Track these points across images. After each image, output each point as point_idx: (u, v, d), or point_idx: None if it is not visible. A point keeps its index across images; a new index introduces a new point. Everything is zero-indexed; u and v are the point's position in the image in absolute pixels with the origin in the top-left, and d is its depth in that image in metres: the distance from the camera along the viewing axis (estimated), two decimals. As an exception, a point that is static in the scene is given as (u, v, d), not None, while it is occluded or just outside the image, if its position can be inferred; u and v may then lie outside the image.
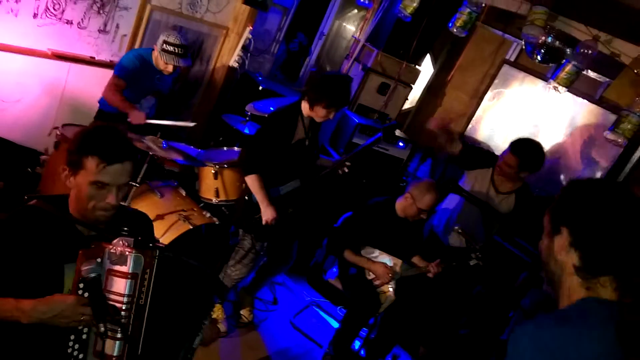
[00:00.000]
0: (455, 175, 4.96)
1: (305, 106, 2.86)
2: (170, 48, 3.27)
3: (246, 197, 2.93)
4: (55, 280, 1.47)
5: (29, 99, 3.51)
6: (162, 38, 3.28)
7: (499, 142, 4.66)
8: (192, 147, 3.58)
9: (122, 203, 1.78)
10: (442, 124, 3.23)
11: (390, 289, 3.10)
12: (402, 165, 4.56)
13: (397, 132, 4.53)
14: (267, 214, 2.81)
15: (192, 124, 3.49)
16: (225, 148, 3.70)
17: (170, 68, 3.35)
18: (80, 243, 1.49)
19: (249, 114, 3.74)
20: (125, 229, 1.61)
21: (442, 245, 3.36)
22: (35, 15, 3.26)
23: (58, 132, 3.17)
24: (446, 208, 3.48)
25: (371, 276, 3.13)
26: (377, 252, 3.17)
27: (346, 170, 3.02)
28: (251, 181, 2.81)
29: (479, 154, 3.47)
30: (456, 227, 3.08)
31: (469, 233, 3.08)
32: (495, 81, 4.94)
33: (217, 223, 3.16)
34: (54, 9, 3.33)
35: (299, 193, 2.99)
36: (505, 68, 4.87)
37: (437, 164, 5.20)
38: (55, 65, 3.54)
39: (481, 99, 4.98)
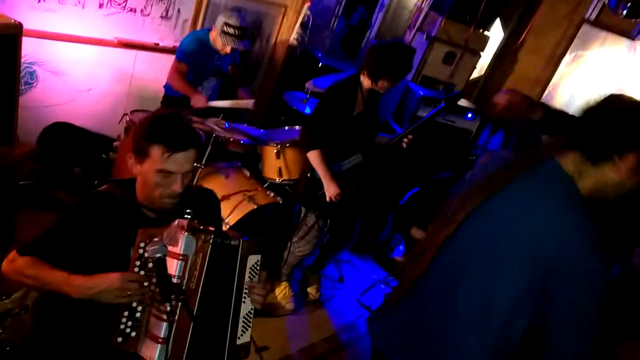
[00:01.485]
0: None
1: (365, 79, 2.78)
2: (231, 30, 3.26)
3: (308, 174, 2.91)
4: (121, 263, 1.50)
5: (99, 88, 3.66)
6: (222, 19, 3.28)
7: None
8: (253, 127, 3.60)
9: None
10: (511, 99, 3.02)
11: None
12: (471, 137, 4.34)
13: (466, 103, 4.30)
14: (330, 189, 2.78)
15: (252, 103, 3.49)
16: (286, 127, 3.68)
17: (228, 49, 3.35)
18: (147, 226, 1.52)
19: (308, 90, 3.69)
20: (188, 210, 1.61)
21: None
22: (100, 6, 3.38)
23: (128, 119, 3.29)
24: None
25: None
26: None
27: (408, 143, 2.90)
28: (313, 157, 2.78)
29: (562, 117, 3.22)
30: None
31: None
32: (574, 43, 4.58)
33: (281, 202, 3.17)
34: (118, -2, 3.44)
35: (362, 168, 2.92)
36: (585, 28, 4.50)
37: (510, 135, 4.92)
38: (123, 54, 3.66)
39: (558, 63, 4.64)
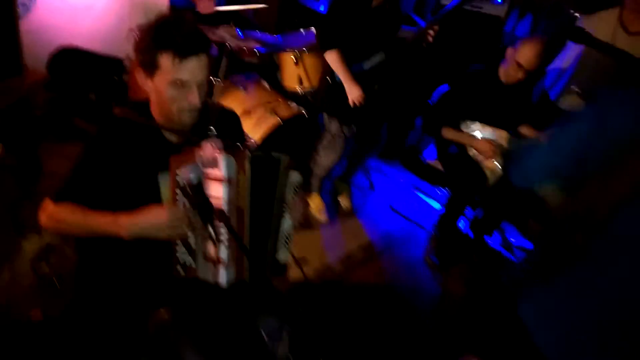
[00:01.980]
0: (562, 30, 4.34)
1: None
2: None
3: (328, 78, 2.74)
4: (151, 191, 1.43)
5: (100, 4, 3.42)
6: None
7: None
8: (267, 34, 3.38)
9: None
10: None
11: (498, 164, 2.88)
12: (500, 24, 4.02)
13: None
14: (352, 92, 2.61)
15: (262, 5, 3.23)
16: (302, 30, 3.44)
17: None
18: (170, 150, 1.43)
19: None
20: (211, 128, 1.55)
21: (557, 110, 2.98)
22: None
23: (135, 35, 3.09)
24: (558, 67, 3.05)
25: (474, 152, 2.91)
26: (478, 126, 2.90)
27: (433, 37, 2.67)
28: (331, 57, 2.59)
29: None
30: (572, 87, 2.67)
31: (589, 93, 2.67)
32: None
33: (304, 112, 3.04)
34: None
35: (384, 67, 2.72)
36: None
37: (540, 18, 4.55)
38: (119, -36, 3.37)
39: None
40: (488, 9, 3.91)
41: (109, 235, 1.41)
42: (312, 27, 3.39)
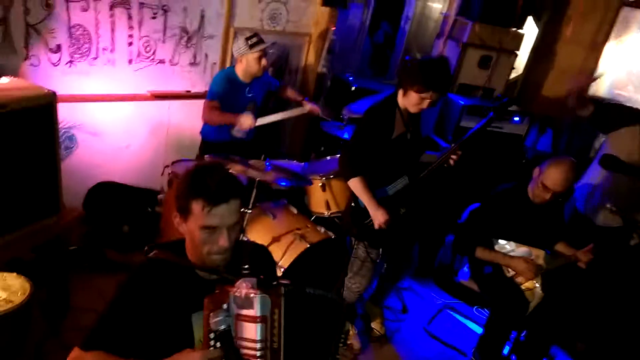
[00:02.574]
0: (584, 143, 4.41)
1: (400, 97, 2.62)
2: (254, 39, 3.20)
3: (352, 204, 2.76)
4: (184, 333, 1.42)
5: (137, 143, 3.64)
6: (240, 41, 3.21)
7: (632, 95, 4.04)
8: (294, 162, 3.49)
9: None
10: (579, 85, 2.83)
11: (537, 285, 2.74)
12: (521, 141, 4.11)
13: (513, 105, 4.07)
14: (377, 216, 2.61)
15: (308, 107, 3.36)
16: (328, 158, 3.56)
17: (264, 62, 3.24)
18: (204, 289, 1.41)
19: (346, 117, 3.57)
20: (246, 266, 1.54)
21: (591, 226, 2.91)
22: (130, 61, 3.37)
23: (170, 171, 3.24)
24: (588, 183, 3.03)
25: (511, 273, 2.79)
26: (512, 245, 2.82)
27: (456, 159, 2.71)
28: (355, 184, 2.63)
29: (619, 110, 2.98)
30: (608, 205, 2.63)
31: (624, 210, 2.61)
32: (615, 28, 4.32)
33: (333, 237, 3.03)
34: (146, 51, 3.42)
35: (409, 191, 2.73)
36: (625, 11, 4.24)
37: (560, 132, 4.65)
38: (156, 106, 3.64)
39: (601, 51, 4.37)
40: (508, 128, 4.03)
41: None
42: (338, 154, 3.51)
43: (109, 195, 3.45)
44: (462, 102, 4.01)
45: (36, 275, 2.19)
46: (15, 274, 2.15)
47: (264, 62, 3.25)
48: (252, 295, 1.34)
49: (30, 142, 2.30)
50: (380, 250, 2.86)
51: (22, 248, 2.39)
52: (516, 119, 4.01)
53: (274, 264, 1.82)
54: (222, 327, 1.33)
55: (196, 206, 1.45)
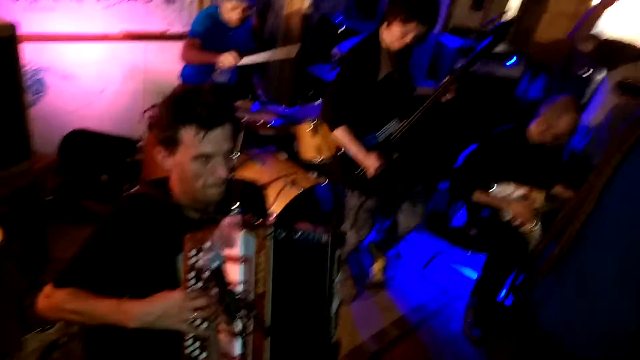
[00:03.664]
0: (577, 90, 4.29)
1: (384, 31, 2.38)
2: None
3: (339, 153, 2.57)
4: (167, 275, 1.29)
5: (112, 87, 3.39)
6: None
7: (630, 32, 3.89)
8: (282, 106, 3.30)
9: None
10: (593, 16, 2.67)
11: (536, 227, 2.66)
12: (516, 86, 3.97)
13: (506, 47, 3.90)
14: (369, 163, 2.42)
15: (294, 51, 3.10)
16: (317, 102, 3.37)
17: (235, 15, 3.00)
18: (190, 229, 1.29)
19: (335, 58, 3.36)
20: (237, 204, 1.41)
21: (590, 167, 2.81)
22: (98, -2, 3.09)
23: (149, 114, 3.02)
24: (585, 125, 2.92)
25: (509, 216, 2.70)
26: (512, 187, 2.72)
27: (453, 95, 2.49)
28: (340, 134, 2.43)
29: (621, 46, 2.84)
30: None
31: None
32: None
33: (325, 182, 2.90)
34: (117, -13, 3.13)
35: (402, 133, 2.52)
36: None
37: (553, 78, 4.52)
38: (131, 47, 3.38)
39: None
40: (503, 72, 3.87)
41: (113, 324, 1.24)
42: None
43: (85, 144, 3.24)
44: (455, 45, 3.82)
45: (12, 226, 2.03)
46: (-17, 221, 1.96)
47: (234, 16, 2.99)
48: (235, 234, 1.24)
49: (-9, 78, 2.07)
50: (376, 198, 2.70)
51: (-9, 195, 2.19)
52: (513, 60, 3.83)
53: (264, 202, 1.67)
54: (215, 264, 1.22)
55: (187, 134, 1.28)
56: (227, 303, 1.20)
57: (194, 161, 1.30)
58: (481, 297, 2.77)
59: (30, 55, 2.86)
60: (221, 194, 1.38)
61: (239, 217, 1.28)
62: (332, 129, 2.45)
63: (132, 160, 3.29)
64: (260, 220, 1.33)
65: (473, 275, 3.26)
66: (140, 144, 3.28)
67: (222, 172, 1.32)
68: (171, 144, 1.31)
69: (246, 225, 1.27)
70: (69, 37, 3.03)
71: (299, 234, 1.34)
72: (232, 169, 1.40)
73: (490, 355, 2.69)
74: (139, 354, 1.39)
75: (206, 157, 1.31)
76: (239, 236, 1.24)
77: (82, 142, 3.24)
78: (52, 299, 1.28)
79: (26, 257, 2.55)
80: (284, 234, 1.31)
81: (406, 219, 2.77)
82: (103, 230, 1.35)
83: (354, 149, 2.44)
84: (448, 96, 2.50)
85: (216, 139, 1.29)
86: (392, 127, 2.54)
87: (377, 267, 3.08)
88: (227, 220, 1.26)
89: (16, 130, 2.26)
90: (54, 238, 2.68)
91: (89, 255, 1.32)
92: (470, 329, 2.80)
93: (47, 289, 1.31)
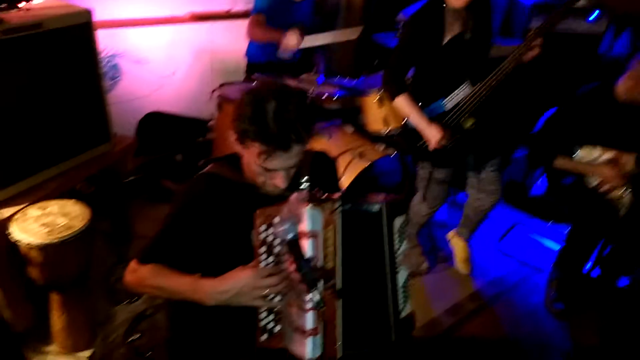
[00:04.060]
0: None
1: None
2: None
3: (404, 122, 2.48)
4: (244, 251, 1.32)
5: (182, 69, 3.49)
6: None
7: None
8: (346, 78, 3.24)
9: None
10: None
11: (625, 193, 2.45)
12: (599, 43, 3.64)
13: (587, 1, 3.57)
14: (430, 135, 2.30)
15: (357, 33, 3.05)
16: (382, 72, 3.27)
17: None
18: (262, 205, 1.32)
19: (400, 24, 3.23)
20: (305, 179, 1.42)
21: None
22: (165, -20, 3.15)
23: (217, 94, 3.08)
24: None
25: (595, 182, 2.51)
26: (598, 152, 2.52)
27: (538, 52, 2.27)
28: (401, 103, 2.34)
29: None
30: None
31: None
32: None
33: (393, 154, 2.83)
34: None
35: (477, 99, 2.35)
36: None
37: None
38: (197, 28, 3.45)
39: None
40: (584, 28, 3.55)
41: (194, 301, 1.29)
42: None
43: (160, 125, 3.37)
44: (530, 1, 3.55)
45: (98, 206, 2.17)
46: (73, 200, 2.10)
47: None
48: (302, 208, 1.25)
49: (70, 65, 2.17)
50: (449, 170, 2.56)
51: (76, 177, 2.33)
52: (595, 14, 3.50)
53: (335, 172, 1.67)
54: (290, 236, 1.23)
55: (253, 145, 1.28)
56: (305, 272, 1.19)
57: (257, 165, 1.32)
58: (565, 270, 2.62)
59: (104, 41, 2.97)
60: (282, 190, 1.37)
61: (305, 193, 1.30)
62: (392, 97, 2.38)
63: (203, 139, 3.38)
64: (326, 195, 1.33)
65: (554, 246, 3.09)
66: (211, 123, 3.34)
67: (279, 183, 1.34)
68: (241, 140, 1.31)
69: (313, 200, 1.27)
70: (138, 22, 3.15)
71: (366, 206, 1.34)
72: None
73: (574, 331, 2.55)
74: (217, 324, 1.44)
75: (267, 170, 1.32)
76: (306, 211, 1.24)
77: (157, 124, 3.37)
78: (136, 274, 1.35)
79: (112, 234, 2.73)
80: (351, 207, 1.31)
81: (480, 197, 2.63)
82: (180, 210, 1.40)
83: (416, 119, 2.34)
84: (533, 53, 2.29)
85: (281, 159, 1.28)
86: (462, 92, 2.37)
87: (460, 255, 2.91)
88: (295, 196, 1.27)
89: (96, 115, 2.38)
90: (136, 216, 2.84)
91: (168, 233, 1.37)
92: (553, 302, 2.67)
93: (132, 264, 1.37)
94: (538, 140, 2.61)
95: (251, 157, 1.32)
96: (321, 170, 1.57)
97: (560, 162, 2.52)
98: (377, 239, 1.38)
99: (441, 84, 2.38)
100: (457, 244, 2.92)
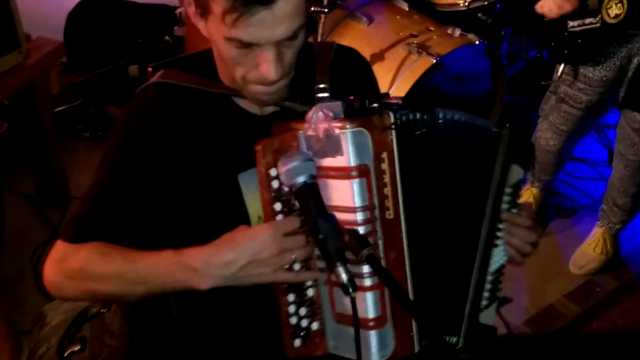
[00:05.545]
0: None
1: None
2: None
3: None
4: (231, 205, 1.34)
5: None
6: None
7: None
8: None
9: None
10: None
11: None
12: None
13: None
14: None
15: None
16: None
17: None
18: (253, 129, 1.32)
19: None
20: (322, 86, 1.43)
21: None
22: None
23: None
24: None
25: None
26: None
27: None
28: None
29: None
30: None
31: None
32: None
33: (479, 42, 2.84)
34: None
35: None
36: None
37: None
38: None
39: None
40: None
41: (176, 289, 1.28)
42: None
43: (100, 20, 3.42)
44: None
45: (11, 152, 2.19)
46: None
47: None
48: (337, 131, 1.22)
49: None
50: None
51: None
52: None
53: (373, 77, 1.64)
54: (301, 179, 1.21)
55: (216, 6, 1.20)
56: (325, 238, 1.17)
57: (227, 42, 1.24)
58: None
59: None
60: (275, 99, 1.34)
61: (339, 104, 1.26)
62: None
63: (169, 39, 3.42)
64: (379, 104, 1.31)
65: None
66: (179, 10, 3.31)
67: (268, 71, 1.25)
68: (202, 7, 1.25)
69: (350, 113, 1.25)
70: None
71: (442, 120, 1.34)
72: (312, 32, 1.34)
73: None
74: (216, 324, 1.46)
75: (244, 45, 1.23)
76: (345, 134, 1.22)
77: (96, 17, 3.39)
78: (66, 265, 1.30)
79: (38, 195, 2.81)
80: (416, 120, 1.31)
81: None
82: (122, 144, 1.37)
83: None
84: None
85: (258, 23, 1.19)
86: None
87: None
88: (320, 111, 1.24)
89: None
90: (73, 166, 2.90)
91: (110, 186, 1.34)
92: None
93: (58, 248, 1.32)
94: None
95: (217, 31, 1.25)
96: (348, 70, 1.56)
97: None
98: (478, 184, 1.40)
99: None
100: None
